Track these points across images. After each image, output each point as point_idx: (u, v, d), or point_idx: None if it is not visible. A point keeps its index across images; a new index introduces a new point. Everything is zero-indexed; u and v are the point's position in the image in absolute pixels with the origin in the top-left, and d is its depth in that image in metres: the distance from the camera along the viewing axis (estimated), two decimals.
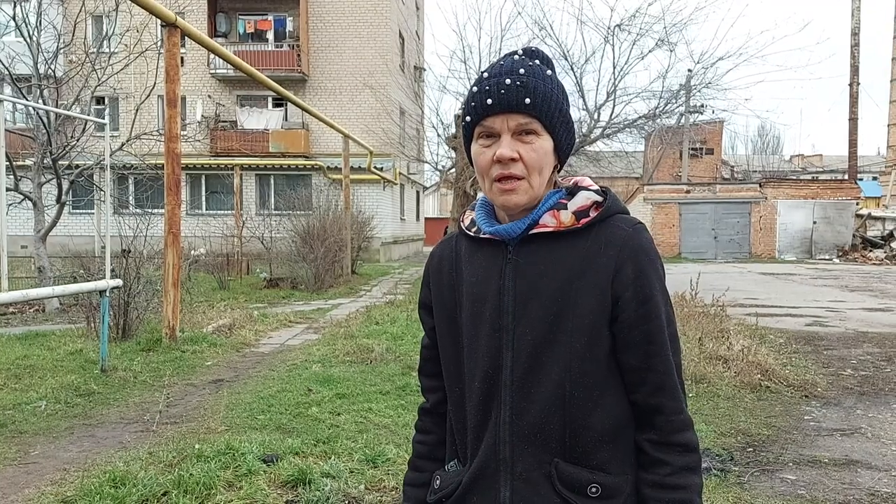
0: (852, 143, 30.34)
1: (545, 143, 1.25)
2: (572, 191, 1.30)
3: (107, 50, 12.54)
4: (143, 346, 7.72)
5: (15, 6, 11.37)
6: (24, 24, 11.55)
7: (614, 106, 16.55)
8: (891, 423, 5.21)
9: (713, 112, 21.98)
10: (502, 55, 1.34)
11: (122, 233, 9.37)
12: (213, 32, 25.33)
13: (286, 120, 26.36)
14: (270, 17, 26.33)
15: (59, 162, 11.71)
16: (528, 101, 1.23)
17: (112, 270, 7.40)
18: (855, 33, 29.68)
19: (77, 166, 12.36)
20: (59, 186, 11.82)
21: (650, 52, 16.75)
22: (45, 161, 11.65)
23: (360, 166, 21.38)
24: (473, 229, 1.35)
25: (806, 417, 5.34)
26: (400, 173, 26.18)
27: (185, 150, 12.30)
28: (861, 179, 33.21)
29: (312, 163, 24.80)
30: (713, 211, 29.27)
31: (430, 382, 1.46)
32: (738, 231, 29.16)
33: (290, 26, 26.48)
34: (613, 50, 16.36)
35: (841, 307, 12.09)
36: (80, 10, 11.61)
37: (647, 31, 16.22)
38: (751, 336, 7.98)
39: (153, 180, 14.61)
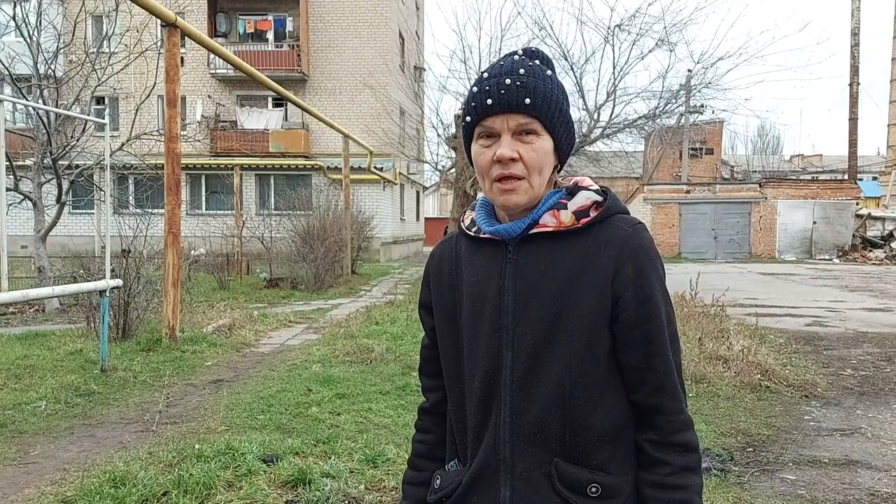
0: (852, 143, 30.34)
1: (545, 143, 1.26)
2: (572, 191, 1.30)
3: (107, 50, 12.54)
4: (143, 346, 7.72)
5: (15, 6, 11.37)
6: (24, 24, 11.55)
7: (614, 106, 16.57)
8: (891, 423, 5.21)
9: (713, 112, 21.99)
10: (502, 55, 1.34)
11: (122, 233, 9.37)
12: (213, 32, 25.34)
13: (286, 120, 26.37)
14: (270, 17, 26.33)
15: (59, 162, 11.71)
16: (528, 101, 1.23)
17: (112, 270, 7.40)
18: (855, 33, 29.68)
19: (77, 166, 12.36)
20: (59, 186, 11.82)
21: (650, 52, 16.77)
22: (45, 161, 11.65)
23: (360, 166, 21.38)
24: (473, 229, 1.35)
25: (806, 417, 5.34)
26: (400, 173, 26.19)
27: (185, 150, 12.30)
28: (861, 179, 33.21)
29: (312, 163, 24.80)
30: (713, 211, 29.28)
31: (430, 382, 1.46)
32: (738, 231, 29.16)
33: (290, 26, 26.48)
34: (613, 50, 16.37)
35: (841, 307, 12.09)
36: (80, 10, 11.61)
37: (646, 31, 16.24)
38: (751, 336, 7.98)
39: (153, 180, 14.61)
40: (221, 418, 5.03)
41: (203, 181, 25.33)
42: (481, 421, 1.29)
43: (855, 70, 29.77)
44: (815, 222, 28.24)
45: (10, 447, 4.57)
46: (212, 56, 23.59)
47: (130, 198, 18.18)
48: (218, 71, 25.45)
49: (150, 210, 13.29)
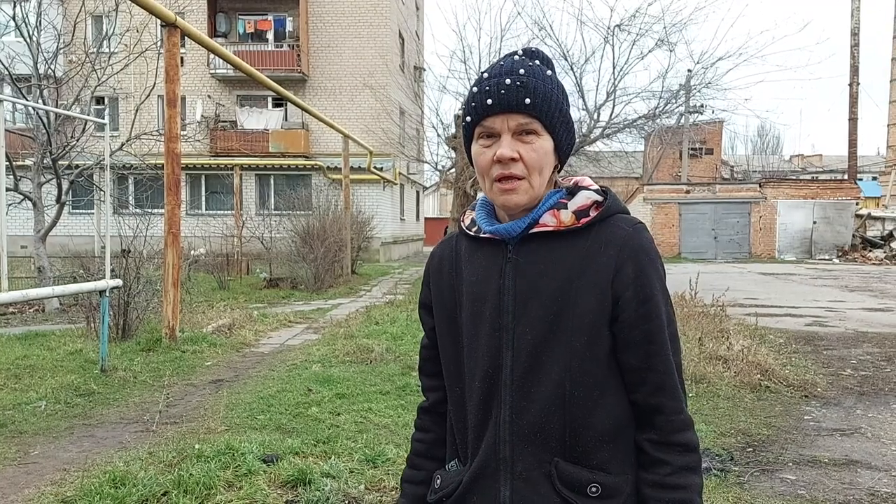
0: (852, 143, 30.34)
1: (545, 143, 1.26)
2: (572, 190, 1.30)
3: (107, 50, 12.55)
4: (142, 346, 7.72)
5: (15, 6, 11.37)
6: (23, 24, 11.55)
7: (614, 106, 16.57)
8: (890, 423, 5.21)
9: (713, 112, 22.01)
10: (502, 56, 1.34)
11: (121, 233, 9.38)
12: (213, 32, 25.33)
13: (286, 120, 26.37)
14: (270, 17, 26.33)
15: (59, 162, 11.71)
16: (528, 101, 1.23)
17: (112, 270, 7.40)
18: (855, 33, 29.68)
19: (77, 166, 12.36)
20: (59, 186, 11.82)
21: (650, 52, 16.78)
22: (44, 161, 11.64)
23: (360, 166, 21.38)
24: (474, 229, 1.35)
25: (806, 417, 5.34)
26: (400, 173, 26.19)
27: (184, 150, 12.32)
28: (861, 179, 33.21)
29: (312, 163, 24.80)
30: (713, 211, 29.28)
31: (430, 382, 1.46)
32: (738, 231, 29.17)
33: (289, 26, 26.48)
34: (613, 50, 16.37)
35: (841, 307, 12.09)
36: (80, 10, 11.60)
37: (646, 31, 16.24)
38: (751, 336, 7.98)
39: (153, 180, 14.61)
40: (221, 418, 5.03)
41: (203, 181, 25.33)
42: (481, 420, 1.29)
43: (855, 70, 29.77)
44: (814, 222, 28.24)
45: (10, 447, 4.57)
46: (212, 56, 23.59)
47: (130, 198, 18.18)
48: (218, 71, 25.45)
49: (149, 210, 13.29)
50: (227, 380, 6.53)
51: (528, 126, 1.24)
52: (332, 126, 16.82)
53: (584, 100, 16.57)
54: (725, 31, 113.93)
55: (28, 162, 12.58)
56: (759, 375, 6.25)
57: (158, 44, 11.65)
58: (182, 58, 20.23)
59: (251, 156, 24.59)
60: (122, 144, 12.38)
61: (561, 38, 34.36)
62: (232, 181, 22.55)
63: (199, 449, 4.08)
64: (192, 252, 15.49)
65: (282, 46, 25.89)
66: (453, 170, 16.38)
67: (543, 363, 1.24)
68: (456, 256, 1.38)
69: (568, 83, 16.07)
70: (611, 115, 16.61)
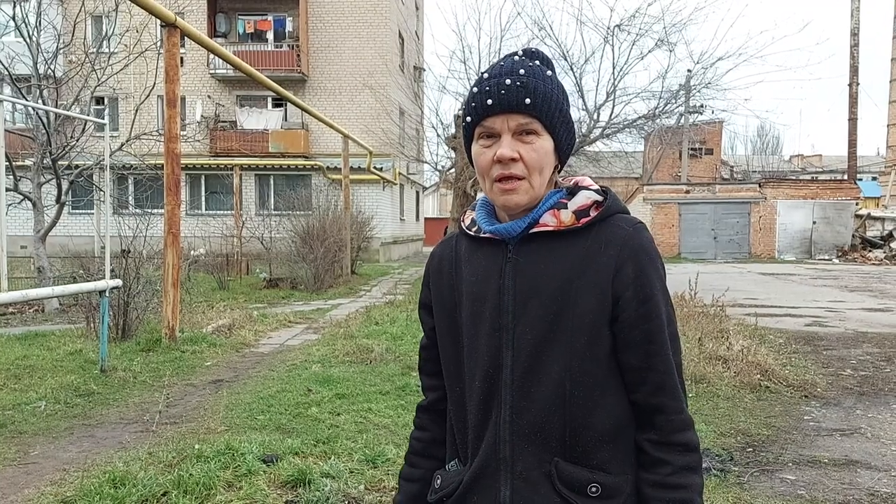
0: (852, 144, 30.34)
1: (545, 143, 1.26)
2: (573, 190, 1.30)
3: (106, 50, 12.54)
4: (142, 346, 7.72)
5: (15, 6, 11.37)
6: (23, 25, 11.55)
7: (614, 106, 16.59)
8: (890, 423, 5.21)
9: (713, 112, 22.05)
10: (502, 56, 1.35)
11: (121, 233, 9.37)
12: (213, 33, 25.33)
13: (286, 120, 26.37)
14: (270, 18, 26.33)
15: (59, 162, 11.70)
16: (528, 101, 1.23)
17: (112, 271, 7.40)
18: (854, 34, 29.69)
19: (77, 166, 12.35)
20: (59, 186, 11.82)
21: (650, 52, 16.78)
22: (44, 161, 11.64)
23: (360, 166, 21.38)
24: (474, 229, 1.35)
25: (805, 417, 5.34)
26: (399, 173, 26.19)
27: (184, 150, 12.31)
28: (860, 180, 33.22)
29: (312, 163, 24.79)
30: (713, 211, 29.29)
31: (429, 381, 1.47)
32: (738, 231, 29.18)
33: (289, 26, 26.48)
34: (613, 50, 16.39)
35: (840, 307, 12.09)
36: (80, 11, 11.60)
37: (646, 31, 16.26)
38: (750, 336, 7.98)
39: (153, 180, 14.61)
40: (221, 418, 5.03)
41: (203, 181, 25.33)
42: (482, 420, 1.29)
43: (854, 70, 29.78)
44: (814, 222, 28.25)
45: (10, 447, 4.57)
46: (211, 56, 23.59)
47: (130, 198, 18.18)
48: (217, 71, 25.45)
49: (149, 210, 13.28)
50: (227, 380, 6.53)
51: (528, 126, 1.24)
52: (331, 126, 16.82)
53: (583, 100, 16.60)
54: (725, 32, 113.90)
55: (28, 162, 12.58)
56: (758, 375, 6.25)
57: (158, 44, 11.65)
58: (182, 58, 20.25)
59: (251, 156, 24.59)
60: (122, 144, 12.38)
61: (561, 38, 34.38)
62: (232, 181, 22.55)
63: (199, 449, 4.08)
64: (192, 252, 15.49)
65: (281, 46, 25.89)
66: (453, 170, 16.38)
67: (543, 363, 1.24)
68: (456, 256, 1.38)
69: (568, 83, 16.09)
70: (610, 115, 16.64)
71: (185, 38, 8.95)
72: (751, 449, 4.59)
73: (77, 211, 22.07)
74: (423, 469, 1.45)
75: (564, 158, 1.32)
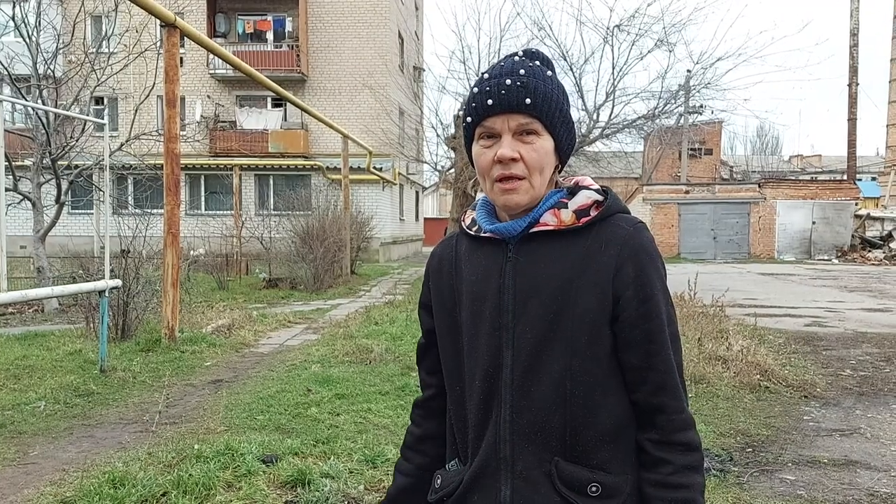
0: (851, 144, 30.35)
1: (546, 143, 1.26)
2: (573, 190, 1.30)
3: (106, 50, 12.54)
4: (142, 346, 7.72)
5: (14, 6, 11.36)
6: (23, 25, 11.54)
7: (613, 106, 16.59)
8: (890, 423, 5.21)
9: (712, 112, 22.11)
10: (502, 56, 1.35)
11: (121, 233, 9.37)
12: (213, 33, 25.32)
13: (285, 120, 26.36)
14: (270, 18, 26.33)
15: (59, 162, 11.69)
16: (528, 101, 1.23)
17: (111, 271, 7.40)
18: (854, 34, 29.70)
19: (76, 166, 12.35)
20: (59, 186, 11.81)
21: (649, 52, 16.80)
22: (44, 161, 11.63)
23: (360, 166, 21.37)
24: (474, 228, 1.35)
25: (805, 418, 5.35)
26: (399, 173, 26.18)
27: (184, 150, 12.32)
28: (860, 180, 33.24)
29: (311, 163, 24.79)
30: (712, 211, 29.30)
31: (427, 378, 1.48)
32: (738, 231, 29.19)
33: (289, 26, 26.48)
34: (612, 50, 16.39)
35: (840, 307, 12.10)
36: (80, 11, 11.60)
37: (646, 31, 16.27)
38: (750, 336, 7.97)
39: (152, 180, 14.60)
40: (221, 419, 5.03)
41: (202, 181, 25.32)
42: (482, 420, 1.29)
43: (854, 70, 29.79)
44: (814, 223, 28.26)
45: (10, 447, 4.57)
46: (211, 56, 23.58)
47: (129, 198, 18.17)
48: (217, 71, 25.45)
49: (149, 210, 13.27)
50: (227, 380, 6.53)
51: (528, 126, 1.24)
52: (331, 126, 16.82)
53: (583, 100, 16.60)
54: (725, 32, 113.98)
55: (27, 162, 12.57)
56: (758, 376, 6.25)
57: (158, 44, 11.64)
58: (181, 58, 20.24)
59: (250, 156, 24.59)
60: (122, 145, 12.37)
61: (560, 38, 34.36)
62: (231, 181, 22.55)
63: (199, 449, 4.08)
64: (192, 252, 15.48)
65: (281, 47, 25.89)
66: (453, 170, 16.38)
67: (544, 362, 1.24)
68: (456, 256, 1.38)
69: (567, 83, 16.08)
70: (610, 115, 16.65)
71: (185, 38, 8.94)
72: (750, 449, 4.59)
73: (77, 211, 22.07)
74: (413, 463, 1.48)
75: (565, 158, 1.33)
